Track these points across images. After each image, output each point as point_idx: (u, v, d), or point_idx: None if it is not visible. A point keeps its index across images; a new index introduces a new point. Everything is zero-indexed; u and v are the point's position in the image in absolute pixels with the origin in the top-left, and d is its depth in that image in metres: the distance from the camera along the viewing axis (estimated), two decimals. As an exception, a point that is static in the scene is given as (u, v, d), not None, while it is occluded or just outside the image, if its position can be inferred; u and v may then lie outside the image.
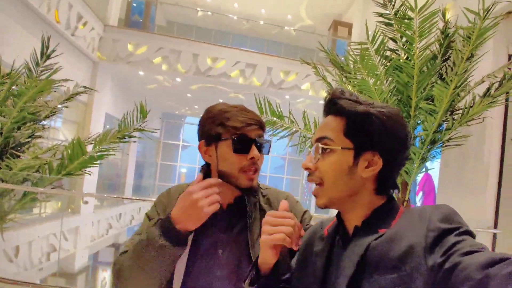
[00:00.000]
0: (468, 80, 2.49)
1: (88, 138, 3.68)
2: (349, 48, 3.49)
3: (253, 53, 8.20)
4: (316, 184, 0.65)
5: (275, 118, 3.02)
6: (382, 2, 2.97)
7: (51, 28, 5.48)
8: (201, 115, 0.92)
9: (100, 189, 8.01)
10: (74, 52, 6.50)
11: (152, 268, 0.77)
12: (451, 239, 0.51)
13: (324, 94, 8.43)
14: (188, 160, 14.80)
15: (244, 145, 0.84)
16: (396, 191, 0.69)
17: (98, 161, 3.52)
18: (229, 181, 0.86)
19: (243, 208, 0.89)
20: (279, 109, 3.08)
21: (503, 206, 2.71)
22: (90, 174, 3.63)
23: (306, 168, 0.66)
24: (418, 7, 2.70)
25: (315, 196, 0.66)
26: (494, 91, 2.33)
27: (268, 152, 0.91)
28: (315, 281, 0.65)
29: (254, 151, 0.84)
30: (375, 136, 0.62)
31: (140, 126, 3.48)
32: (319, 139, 0.65)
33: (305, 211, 0.98)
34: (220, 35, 11.52)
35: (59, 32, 5.78)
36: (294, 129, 3.13)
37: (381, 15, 3.04)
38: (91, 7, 6.62)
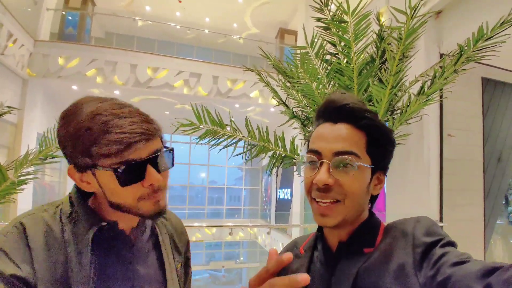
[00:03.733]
0: (403, 80, 2.52)
1: (12, 162, 3.22)
2: (286, 54, 3.47)
3: (197, 62, 7.96)
4: (333, 202, 0.58)
5: (215, 127, 2.84)
6: (318, 7, 2.97)
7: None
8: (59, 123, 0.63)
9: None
10: (3, 71, 6.06)
11: None
12: (437, 251, 0.51)
13: (273, 101, 8.47)
14: None
15: (134, 173, 0.61)
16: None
17: (23, 187, 3.09)
18: (129, 212, 0.65)
19: (149, 231, 0.75)
20: (219, 117, 2.90)
21: (445, 198, 2.79)
22: (13, 201, 3.17)
23: (325, 185, 0.57)
24: (352, 11, 2.72)
25: (325, 214, 0.59)
26: (427, 89, 2.37)
27: (173, 164, 0.69)
28: None
29: (151, 176, 0.62)
30: (388, 154, 0.62)
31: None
32: (342, 153, 0.58)
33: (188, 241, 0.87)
34: (164, 45, 11.14)
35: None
36: (237, 137, 2.97)
37: (319, 19, 3.04)
38: (22, 23, 6.21)
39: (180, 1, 10.34)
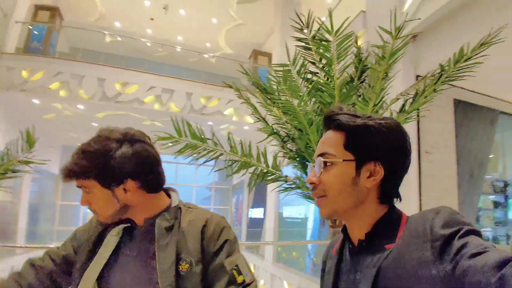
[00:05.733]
0: (384, 98, 2.60)
1: None
2: (270, 71, 3.49)
3: (170, 78, 7.81)
4: (320, 197, 0.67)
5: (196, 141, 2.72)
6: (299, 27, 3.03)
7: None
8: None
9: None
10: None
11: None
12: (456, 243, 0.51)
13: (248, 119, 8.47)
14: None
15: None
16: (398, 199, 0.70)
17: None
18: None
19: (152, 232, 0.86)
20: (200, 131, 2.79)
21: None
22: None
23: (311, 183, 0.68)
24: (334, 30, 2.81)
25: (318, 206, 0.68)
26: (408, 107, 2.45)
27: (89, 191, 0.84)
28: None
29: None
30: (375, 146, 0.64)
31: (26, 157, 2.81)
32: (321, 155, 0.67)
33: (226, 240, 0.87)
34: (133, 62, 10.86)
35: None
36: (219, 152, 2.86)
37: (299, 39, 3.10)
38: None
39: (152, 19, 10.26)
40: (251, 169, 3.00)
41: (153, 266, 0.82)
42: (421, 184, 2.86)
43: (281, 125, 3.31)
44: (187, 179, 14.06)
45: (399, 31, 2.18)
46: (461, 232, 0.52)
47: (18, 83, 6.56)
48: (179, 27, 10.42)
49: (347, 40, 2.84)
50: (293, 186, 2.88)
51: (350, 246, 0.68)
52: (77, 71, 6.89)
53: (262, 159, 2.95)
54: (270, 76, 3.35)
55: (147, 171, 0.85)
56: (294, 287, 5.33)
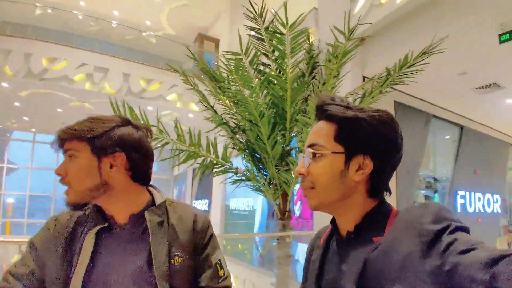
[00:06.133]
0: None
1: None
2: (219, 59, 3.37)
3: (103, 55, 7.07)
4: (309, 188, 0.66)
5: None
6: (252, 16, 2.97)
7: None
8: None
9: None
10: None
11: None
12: (445, 239, 0.51)
13: (193, 106, 8.14)
14: (15, 187, 11.61)
15: None
16: (388, 193, 0.69)
17: None
18: None
19: (142, 226, 0.84)
20: (144, 116, 2.59)
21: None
22: None
23: (299, 174, 0.67)
24: (289, 24, 2.81)
25: (306, 197, 0.67)
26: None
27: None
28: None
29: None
30: (365, 140, 0.63)
31: None
32: (310, 145, 0.67)
33: (212, 235, 0.93)
34: (62, 36, 9.61)
35: None
36: (164, 140, 2.69)
37: (252, 29, 3.04)
38: None
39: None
40: (199, 160, 2.89)
41: (145, 262, 0.80)
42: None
43: (231, 116, 3.24)
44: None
45: (351, 33, 2.26)
46: (450, 228, 0.53)
47: None
48: (116, 0, 9.51)
49: (301, 36, 2.88)
50: (243, 178, 2.86)
51: (338, 237, 0.69)
52: (4, 46, 5.95)
53: (212, 150, 2.85)
54: (220, 64, 3.24)
55: (140, 156, 0.83)
56: (241, 280, 5.37)
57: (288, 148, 2.83)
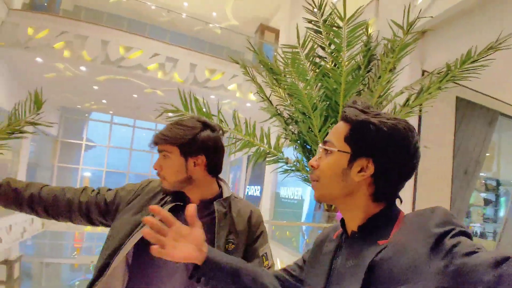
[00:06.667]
0: (390, 90, 2.65)
1: None
2: (277, 51, 3.48)
3: (174, 47, 7.61)
4: (315, 181, 0.71)
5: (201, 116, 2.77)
6: (311, 9, 3.01)
7: None
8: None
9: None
10: None
11: None
12: (448, 241, 0.53)
13: (251, 96, 8.43)
14: (92, 162, 12.95)
15: None
16: (399, 200, 0.71)
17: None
18: None
19: (209, 213, 1.02)
20: (206, 107, 2.84)
21: (418, 207, 3.00)
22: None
23: (311, 166, 0.72)
24: (347, 18, 2.80)
25: (313, 189, 0.73)
26: (412, 102, 2.51)
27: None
28: (320, 281, 0.70)
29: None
30: (371, 143, 0.66)
31: (33, 119, 2.85)
32: (324, 142, 0.72)
33: (262, 231, 1.09)
34: (135, 25, 10.53)
35: None
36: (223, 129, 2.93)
37: (310, 21, 3.08)
38: None
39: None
40: (253, 148, 3.08)
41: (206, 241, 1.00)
42: (416, 177, 2.99)
43: (285, 107, 3.37)
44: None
45: (411, 27, 2.20)
46: (454, 232, 0.55)
47: (23, 40, 6.43)
48: (186, -8, 10.10)
49: (358, 29, 2.85)
50: (293, 168, 2.99)
51: (346, 235, 0.72)
52: (81, 32, 6.73)
53: (265, 140, 3.03)
54: (278, 56, 3.35)
55: (216, 155, 1.04)
56: (286, 264, 5.55)
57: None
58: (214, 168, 1.04)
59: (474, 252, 0.49)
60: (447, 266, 0.50)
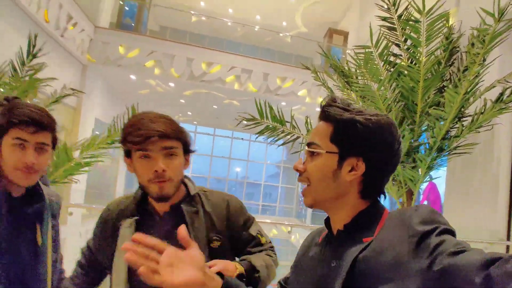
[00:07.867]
0: (479, 85, 2.39)
1: (76, 143, 3.47)
2: (347, 53, 3.41)
3: (249, 58, 8.06)
4: (306, 185, 0.69)
5: (276, 123, 2.88)
6: (385, 6, 2.89)
7: (39, 28, 5.25)
8: None
9: (89, 198, 7.67)
10: (62, 54, 6.22)
11: None
12: (432, 240, 0.52)
13: (320, 101, 8.32)
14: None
15: (147, 160, 0.88)
16: (383, 197, 0.70)
17: (86, 168, 3.33)
18: (145, 191, 0.93)
19: (181, 216, 0.93)
20: (280, 114, 2.94)
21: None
22: (76, 182, 3.41)
23: (297, 170, 0.70)
24: (426, 10, 2.63)
25: (303, 195, 0.70)
26: (507, 96, 2.23)
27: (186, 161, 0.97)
28: (310, 285, 0.68)
29: (156, 165, 0.86)
30: (359, 142, 0.65)
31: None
32: (308, 144, 0.70)
33: (248, 218, 1.02)
34: (214, 41, 11.41)
35: (47, 33, 5.55)
36: (295, 135, 2.99)
37: (384, 19, 2.96)
38: (82, 8, 6.39)
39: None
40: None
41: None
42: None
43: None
44: (258, 156, 14.70)
45: (502, 14, 1.97)
46: (439, 229, 0.53)
47: (113, 58, 6.96)
48: (258, 5, 10.53)
49: (439, 21, 2.64)
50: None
51: (330, 235, 0.70)
52: (168, 51, 7.47)
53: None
54: (349, 58, 3.29)
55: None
56: None
57: (416, 143, 2.68)
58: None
59: (461, 252, 0.48)
60: (432, 265, 0.49)
